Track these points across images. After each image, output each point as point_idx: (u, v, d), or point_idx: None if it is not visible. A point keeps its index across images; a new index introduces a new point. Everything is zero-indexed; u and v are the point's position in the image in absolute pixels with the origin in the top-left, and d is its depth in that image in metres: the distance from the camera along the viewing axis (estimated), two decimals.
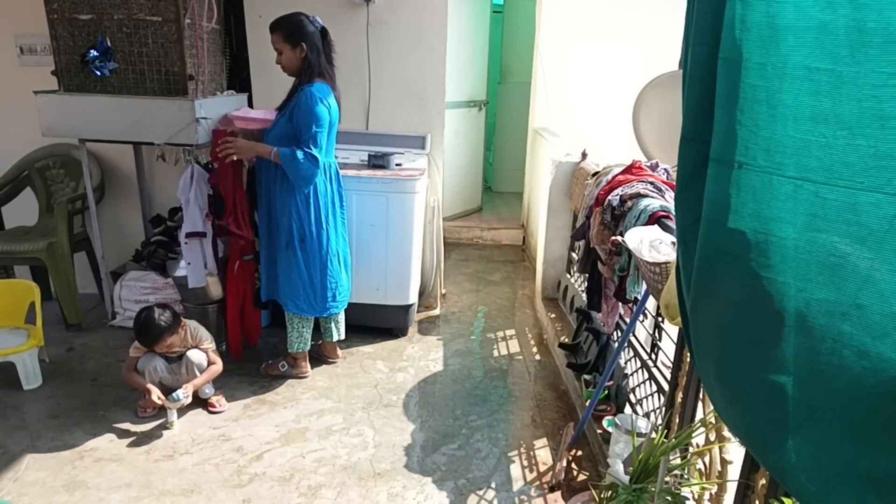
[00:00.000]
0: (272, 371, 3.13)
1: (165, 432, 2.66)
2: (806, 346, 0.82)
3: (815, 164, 0.77)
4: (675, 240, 1.25)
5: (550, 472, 2.46)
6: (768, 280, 0.84)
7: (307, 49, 2.72)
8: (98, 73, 3.00)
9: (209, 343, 2.87)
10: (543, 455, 2.59)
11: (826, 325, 0.79)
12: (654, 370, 2.36)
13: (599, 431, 2.45)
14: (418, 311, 3.93)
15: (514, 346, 3.60)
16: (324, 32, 2.79)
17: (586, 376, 2.77)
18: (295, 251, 2.88)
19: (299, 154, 2.69)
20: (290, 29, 2.71)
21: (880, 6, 0.69)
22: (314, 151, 2.71)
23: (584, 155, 3.55)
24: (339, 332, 3.25)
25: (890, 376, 0.75)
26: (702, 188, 0.95)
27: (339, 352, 3.35)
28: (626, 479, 1.69)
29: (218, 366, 2.87)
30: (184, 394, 2.66)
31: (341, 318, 3.25)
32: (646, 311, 2.46)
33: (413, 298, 3.61)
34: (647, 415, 2.33)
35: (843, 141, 0.74)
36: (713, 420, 1.68)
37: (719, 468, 1.70)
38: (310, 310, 3.00)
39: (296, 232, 2.85)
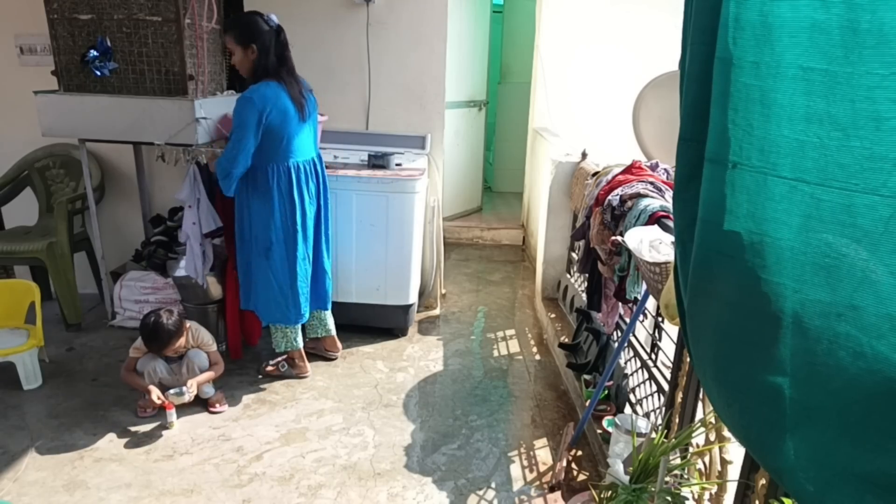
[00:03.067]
0: (272, 371, 3.13)
1: (165, 432, 2.66)
2: (802, 346, 0.81)
3: (810, 164, 0.76)
4: (674, 240, 1.25)
5: (550, 472, 2.46)
6: (764, 281, 0.83)
7: (257, 50, 2.66)
8: (98, 73, 3.00)
9: (210, 343, 2.87)
10: (543, 455, 2.58)
11: (822, 327, 0.79)
12: (654, 370, 2.36)
13: (599, 431, 2.44)
14: (418, 311, 3.93)
15: (514, 346, 3.60)
16: (278, 31, 2.71)
17: (586, 376, 2.77)
18: (262, 260, 2.85)
19: (218, 159, 2.74)
20: (240, 30, 2.67)
21: (874, 6, 0.68)
22: (226, 150, 2.70)
23: (584, 155, 3.55)
24: (325, 328, 3.23)
25: (886, 377, 0.75)
26: (700, 188, 0.95)
27: (339, 344, 3.33)
28: (626, 479, 1.69)
29: (220, 366, 2.87)
30: (187, 388, 2.66)
31: (327, 315, 3.23)
32: (646, 311, 2.45)
33: (413, 298, 3.61)
34: (647, 415, 2.32)
35: (838, 142, 0.73)
36: (713, 420, 1.68)
37: (719, 468, 1.69)
38: (283, 319, 2.96)
39: (261, 240, 2.82)
